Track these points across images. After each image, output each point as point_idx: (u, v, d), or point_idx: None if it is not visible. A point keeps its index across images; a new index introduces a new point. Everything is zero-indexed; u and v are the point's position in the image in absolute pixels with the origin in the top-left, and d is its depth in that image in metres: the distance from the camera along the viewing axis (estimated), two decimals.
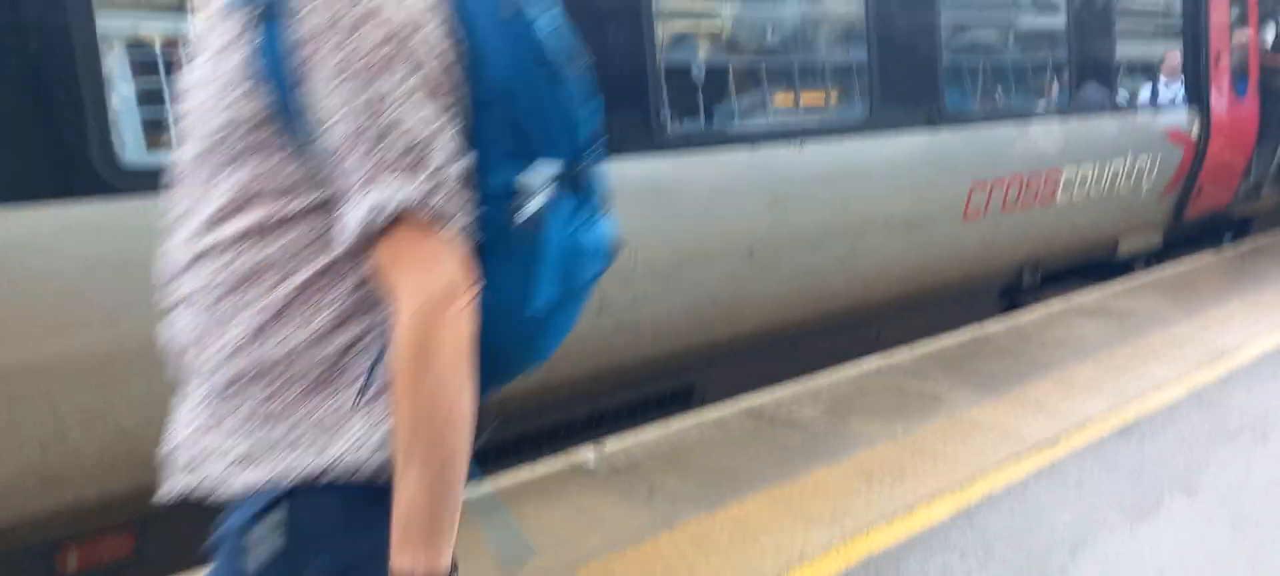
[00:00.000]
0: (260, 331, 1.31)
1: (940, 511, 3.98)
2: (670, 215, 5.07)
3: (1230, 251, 9.67)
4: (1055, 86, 7.82)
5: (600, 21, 4.77)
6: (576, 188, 1.43)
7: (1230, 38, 9.26)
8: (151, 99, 4.02)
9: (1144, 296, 7.68)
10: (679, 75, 5.57)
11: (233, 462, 1.32)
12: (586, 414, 5.43)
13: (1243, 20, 9.50)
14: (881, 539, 3.76)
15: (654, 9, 5.00)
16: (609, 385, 5.39)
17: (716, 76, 5.88)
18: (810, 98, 6.38)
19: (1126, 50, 8.53)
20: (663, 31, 5.53)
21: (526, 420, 5.17)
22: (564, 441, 5.38)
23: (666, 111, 5.09)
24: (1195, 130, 8.90)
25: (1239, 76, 9.43)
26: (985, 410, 5.16)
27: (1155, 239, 9.26)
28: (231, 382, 1.33)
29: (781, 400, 5.38)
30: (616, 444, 4.82)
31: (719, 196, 5.26)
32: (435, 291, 1.23)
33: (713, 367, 5.90)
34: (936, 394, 5.43)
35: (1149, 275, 8.61)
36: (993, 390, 5.46)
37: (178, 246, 1.38)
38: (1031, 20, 8.30)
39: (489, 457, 4.64)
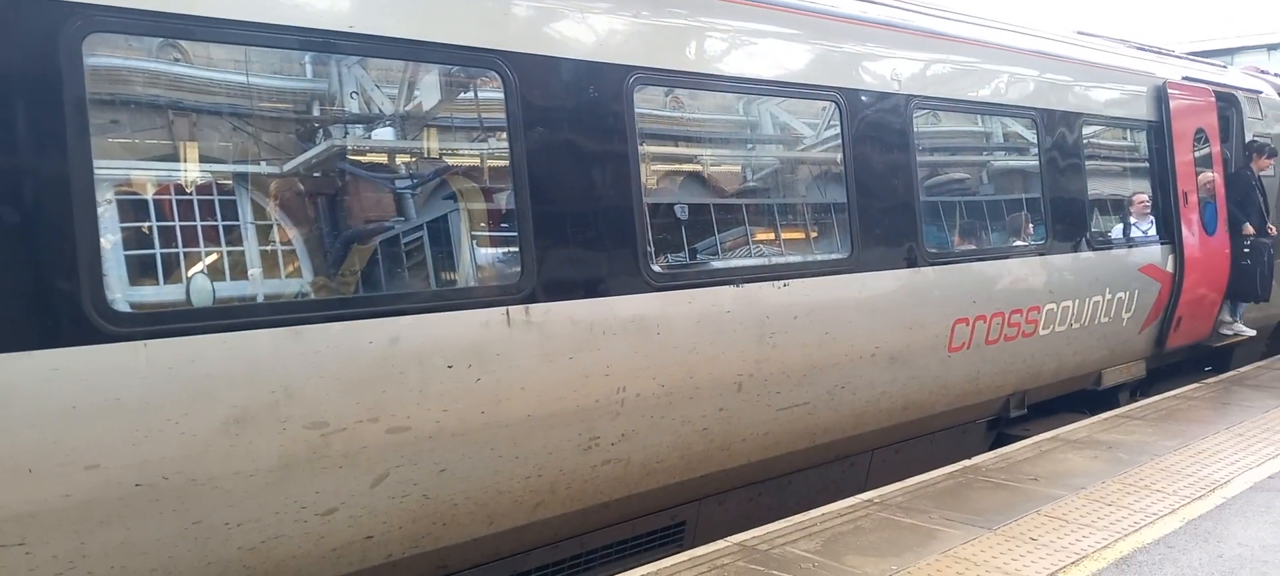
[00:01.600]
0: None
1: None
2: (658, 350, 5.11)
3: (1214, 382, 9.75)
4: (1032, 226, 8.02)
5: (588, 165, 4.91)
6: None
7: (1196, 177, 9.57)
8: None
9: (1132, 428, 7.69)
10: (665, 215, 5.70)
11: None
12: (574, 553, 5.33)
13: (1207, 162, 9.85)
14: None
15: (640, 154, 5.16)
16: (599, 522, 5.31)
17: (701, 217, 6.01)
18: (794, 237, 6.52)
19: (1099, 189, 8.80)
20: (648, 175, 5.70)
21: (513, 563, 5.07)
22: None
23: (652, 250, 5.19)
24: (1170, 265, 9.11)
25: (1208, 214, 9.71)
26: (980, 546, 5.09)
27: (1138, 370, 9.34)
28: None
29: (774, 535, 5.29)
30: None
31: (706, 332, 5.31)
32: None
33: (704, 503, 5.84)
34: (930, 529, 5.36)
35: (1135, 406, 8.64)
36: (986, 525, 5.40)
37: None
38: (1007, 163, 8.59)
39: None
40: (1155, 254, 9.01)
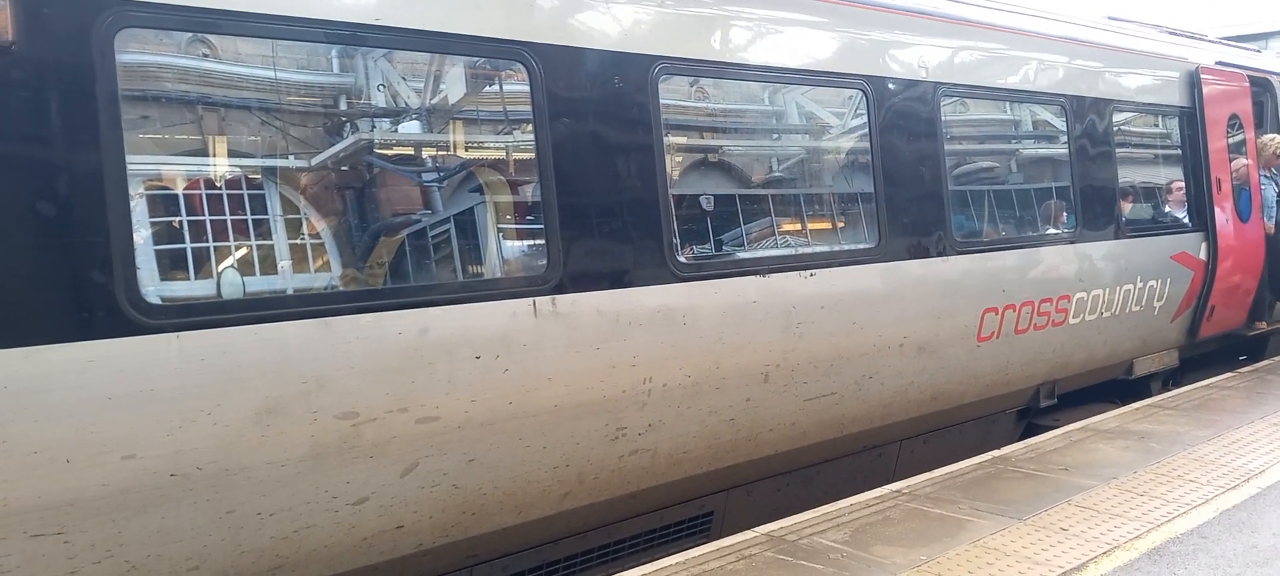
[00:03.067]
0: None
1: None
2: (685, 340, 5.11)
3: (1248, 371, 9.61)
4: (1061, 214, 7.94)
5: (614, 156, 4.91)
6: None
7: (1229, 164, 9.43)
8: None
9: (1164, 418, 7.60)
10: (690, 206, 5.70)
11: None
12: (603, 543, 5.35)
13: (1241, 148, 9.70)
14: None
15: (665, 144, 5.15)
16: (627, 512, 5.33)
17: (726, 208, 6.00)
18: (820, 227, 6.49)
19: (1130, 176, 8.69)
20: (673, 165, 5.69)
21: (542, 553, 5.10)
22: (581, 572, 5.29)
23: (678, 241, 5.18)
24: (1203, 252, 8.99)
25: (1243, 201, 9.56)
26: (1010, 536, 5.05)
27: (1170, 360, 9.23)
28: None
29: (803, 526, 5.28)
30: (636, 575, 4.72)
31: (731, 322, 5.31)
32: None
33: (731, 493, 5.84)
34: (959, 520, 5.33)
35: (1167, 396, 8.54)
36: (1016, 515, 5.36)
37: None
38: (1036, 151, 8.50)
39: None
40: (1188, 242, 8.89)
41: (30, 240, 3.37)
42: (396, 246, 4.68)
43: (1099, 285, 7.85)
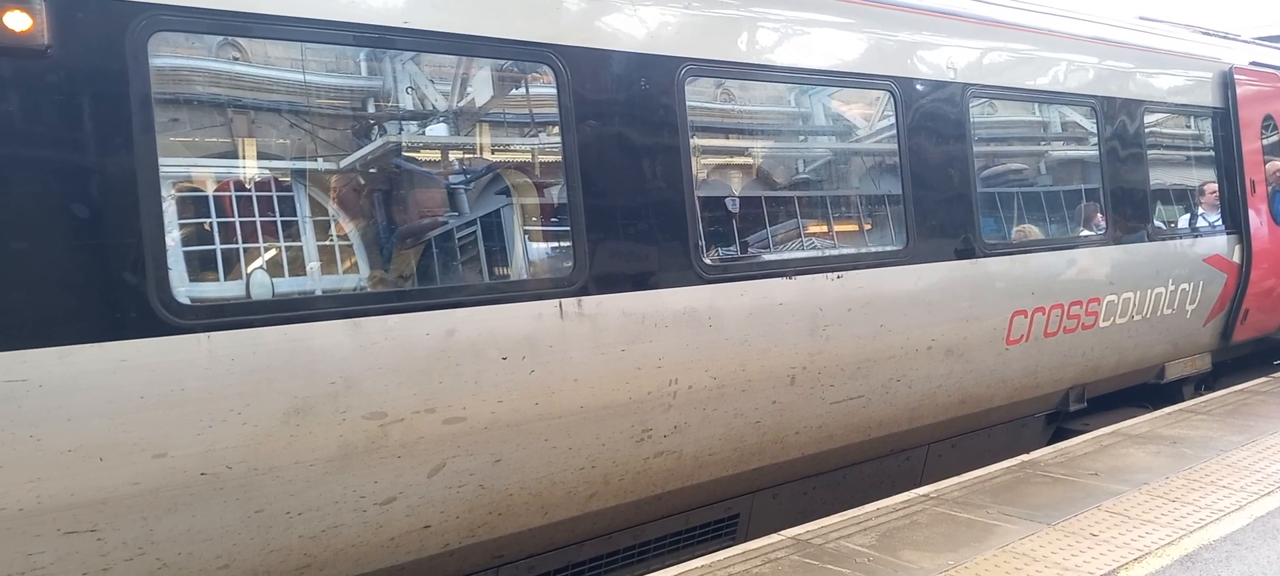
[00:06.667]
0: None
1: None
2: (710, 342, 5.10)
3: None
4: (1096, 215, 7.85)
5: (640, 158, 4.91)
6: None
7: (1264, 165, 9.29)
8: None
9: (1196, 422, 7.50)
10: (716, 207, 5.69)
11: None
12: (628, 544, 5.35)
13: (1276, 150, 9.55)
14: None
15: (691, 146, 5.15)
16: (652, 514, 5.32)
17: (752, 210, 5.98)
18: (847, 229, 6.46)
19: (1162, 178, 8.58)
20: (699, 167, 5.68)
21: (568, 554, 5.10)
22: (606, 574, 5.29)
23: (703, 243, 5.17)
24: (1236, 255, 8.86)
25: (1278, 203, 9.42)
26: (1038, 541, 5.00)
27: (1203, 363, 9.10)
28: None
29: (829, 529, 5.25)
30: None
31: (758, 324, 5.29)
32: None
33: (758, 495, 5.82)
34: (988, 524, 5.28)
35: (1200, 401, 8.42)
36: (1044, 520, 5.31)
37: None
38: (1066, 152, 8.41)
39: None
40: (1221, 244, 8.77)
41: (64, 241, 3.42)
42: (424, 248, 4.70)
43: (1130, 288, 7.76)
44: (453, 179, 5.02)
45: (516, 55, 4.70)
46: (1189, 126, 9.29)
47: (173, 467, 3.59)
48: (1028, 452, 6.85)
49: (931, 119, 6.33)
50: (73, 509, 3.42)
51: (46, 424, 3.33)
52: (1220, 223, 8.87)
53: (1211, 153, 9.05)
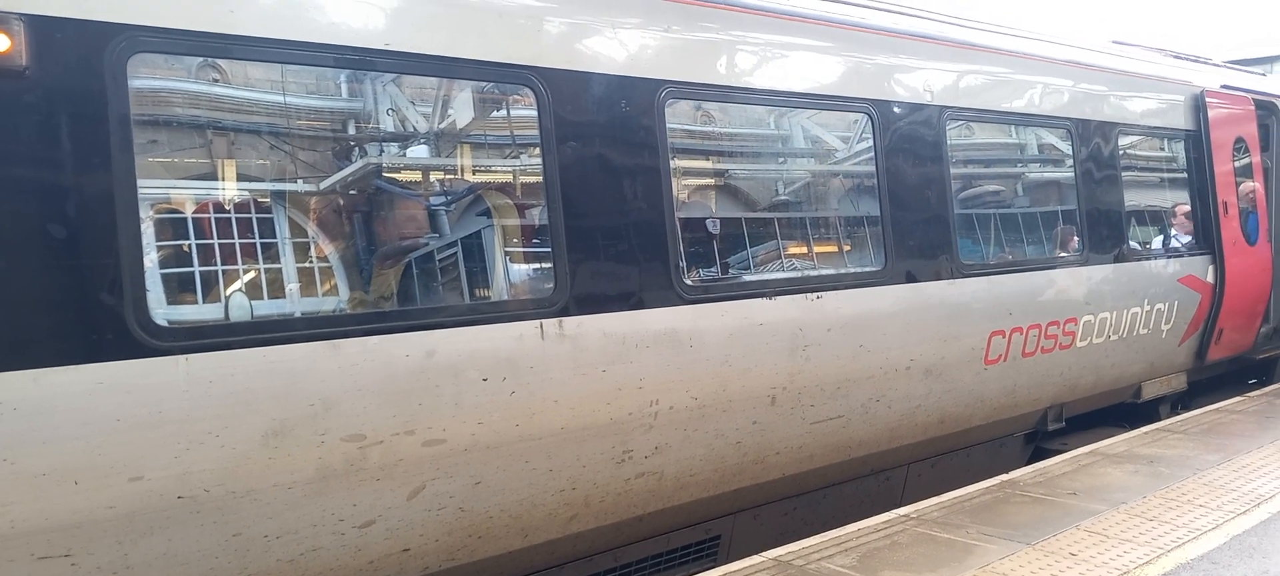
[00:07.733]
0: None
1: None
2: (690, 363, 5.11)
3: (1258, 395, 9.56)
4: (1072, 237, 7.94)
5: (621, 179, 4.93)
6: None
7: (1236, 187, 9.43)
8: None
9: (1172, 442, 7.56)
10: (696, 228, 5.71)
11: None
12: (609, 567, 5.33)
13: (1247, 171, 9.69)
14: None
15: (672, 167, 5.17)
16: (633, 536, 5.31)
17: (733, 231, 6.01)
18: (827, 250, 6.50)
19: (1136, 200, 8.69)
20: (679, 188, 5.71)
21: (548, 575, 5.08)
22: None
23: (684, 263, 5.19)
24: (1210, 276, 8.97)
25: (1250, 224, 9.56)
26: (1018, 561, 5.02)
27: (1179, 383, 9.19)
28: None
29: (810, 550, 5.26)
30: None
31: (738, 345, 5.30)
32: None
33: (739, 516, 5.82)
34: (968, 544, 5.30)
35: (1176, 420, 8.50)
36: (1024, 540, 5.33)
37: None
38: (1042, 174, 8.51)
39: None
40: (1195, 265, 8.88)
41: (41, 262, 3.39)
42: (404, 269, 4.69)
43: (1106, 308, 7.84)
44: (433, 200, 5.02)
45: (497, 77, 4.72)
46: (1163, 149, 9.42)
47: (149, 491, 3.56)
48: (1007, 472, 6.89)
49: (909, 141, 6.39)
50: (47, 533, 3.38)
51: (20, 447, 3.30)
52: (1194, 244, 8.99)
53: (1185, 174, 9.18)
